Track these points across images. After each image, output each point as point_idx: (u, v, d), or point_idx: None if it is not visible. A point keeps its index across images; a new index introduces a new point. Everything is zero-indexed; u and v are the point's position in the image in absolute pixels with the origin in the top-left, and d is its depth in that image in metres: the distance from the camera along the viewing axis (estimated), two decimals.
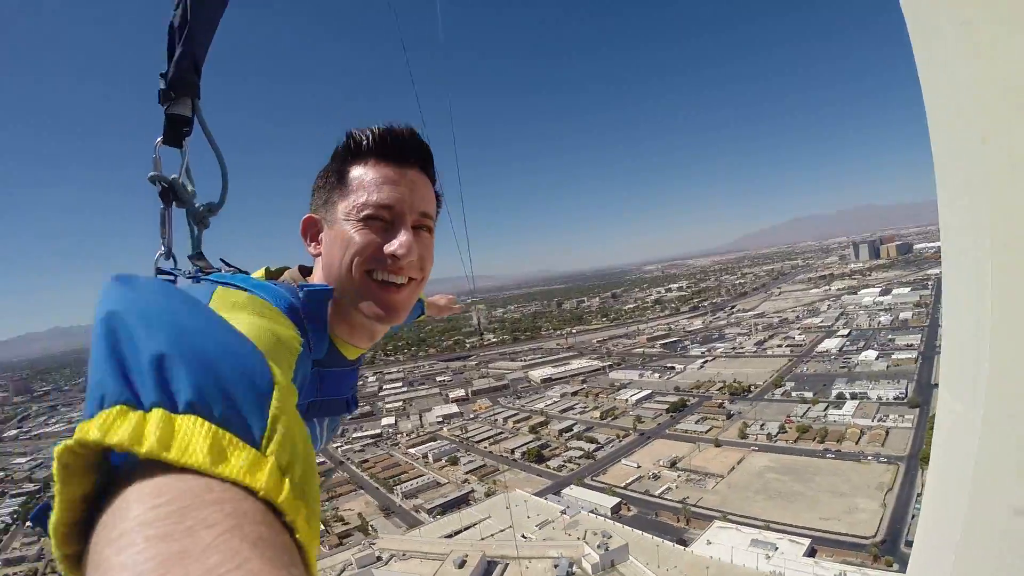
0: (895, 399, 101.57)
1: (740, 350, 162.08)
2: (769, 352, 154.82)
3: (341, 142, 1.30)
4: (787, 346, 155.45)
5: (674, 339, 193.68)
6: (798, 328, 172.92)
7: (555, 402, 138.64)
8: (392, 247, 1.23)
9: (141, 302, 0.64)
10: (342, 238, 1.24)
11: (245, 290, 1.05)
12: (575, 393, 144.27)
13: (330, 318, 1.26)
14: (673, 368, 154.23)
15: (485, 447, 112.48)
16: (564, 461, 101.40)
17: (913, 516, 61.32)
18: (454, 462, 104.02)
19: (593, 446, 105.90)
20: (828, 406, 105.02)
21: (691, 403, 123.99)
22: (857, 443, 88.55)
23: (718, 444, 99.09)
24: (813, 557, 60.60)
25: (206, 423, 0.53)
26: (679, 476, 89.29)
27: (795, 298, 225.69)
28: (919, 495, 67.67)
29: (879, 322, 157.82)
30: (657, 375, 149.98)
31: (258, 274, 1.33)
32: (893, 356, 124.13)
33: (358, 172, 1.27)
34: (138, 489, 0.48)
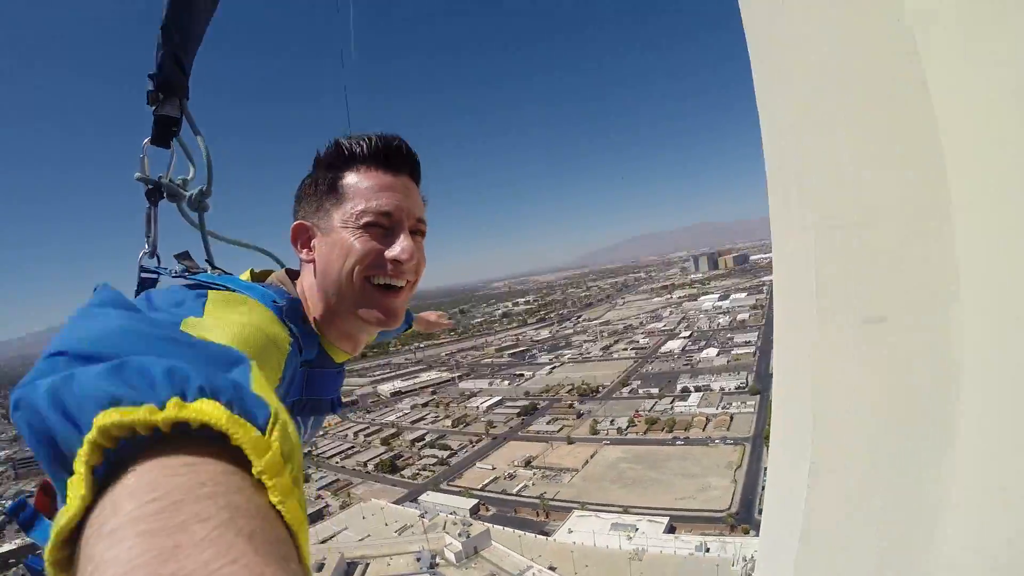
0: (737, 388, 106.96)
1: (587, 355, 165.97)
2: (615, 355, 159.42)
3: (328, 150, 1.32)
4: (632, 349, 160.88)
5: (522, 348, 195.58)
6: (642, 333, 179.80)
7: (406, 414, 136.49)
8: (394, 252, 1.26)
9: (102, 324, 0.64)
10: (342, 245, 1.25)
11: (234, 291, 1.08)
12: (425, 404, 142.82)
13: (322, 322, 1.32)
14: (522, 375, 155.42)
15: (337, 462, 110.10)
16: (419, 469, 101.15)
17: (762, 488, 63.80)
18: (305, 480, 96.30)
19: (447, 453, 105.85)
20: (674, 399, 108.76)
21: (542, 406, 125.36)
22: (704, 429, 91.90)
23: (570, 441, 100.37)
24: (673, 533, 61.82)
25: (219, 404, 0.53)
26: (534, 474, 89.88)
27: (639, 307, 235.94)
28: (766, 469, 70.52)
29: (719, 323, 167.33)
30: (507, 382, 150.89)
31: (244, 276, 1.35)
32: (733, 352, 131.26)
33: (353, 179, 1.28)
34: (130, 485, 0.47)
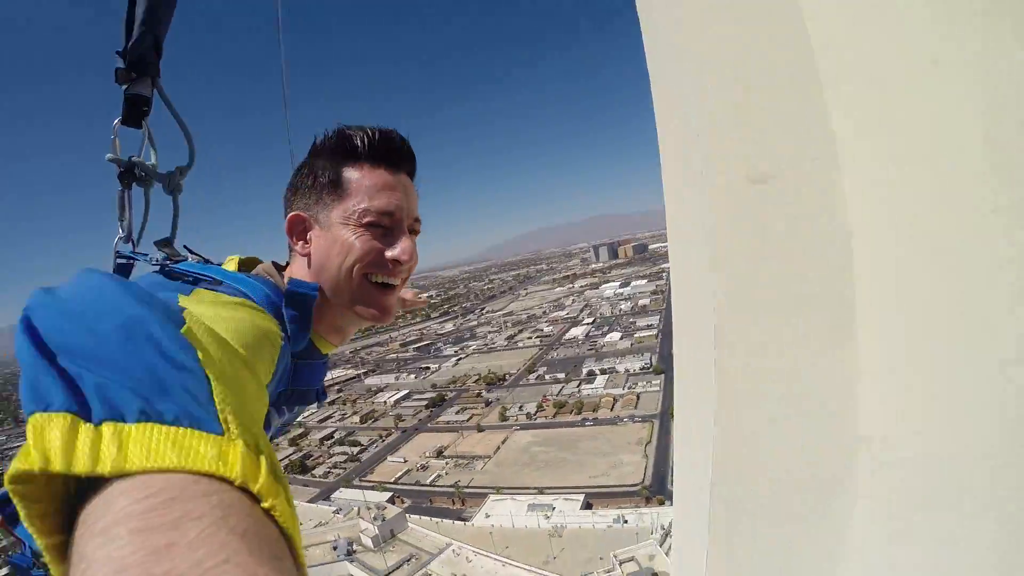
0: (641, 369, 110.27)
1: (492, 346, 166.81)
2: (520, 344, 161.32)
3: (329, 140, 1.30)
4: (537, 337, 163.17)
5: (427, 342, 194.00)
6: (546, 321, 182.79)
7: (312, 413, 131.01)
8: (395, 252, 1.26)
9: (69, 306, 0.61)
10: (342, 243, 1.24)
11: (222, 283, 1.07)
12: (332, 402, 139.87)
13: (314, 315, 1.29)
14: (428, 368, 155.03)
15: None
16: (329, 468, 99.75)
17: (673, 461, 66.00)
18: None
19: (357, 449, 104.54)
20: (580, 383, 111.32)
21: (450, 397, 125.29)
22: (612, 409, 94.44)
23: (480, 429, 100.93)
24: (590, 509, 62.90)
25: (163, 426, 0.49)
26: (447, 463, 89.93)
27: (541, 297, 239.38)
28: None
29: (621, 309, 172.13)
30: (413, 376, 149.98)
31: (230, 264, 1.30)
32: (636, 335, 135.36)
33: (355, 175, 1.27)
34: (123, 481, 0.45)
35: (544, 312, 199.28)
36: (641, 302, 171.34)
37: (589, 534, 56.64)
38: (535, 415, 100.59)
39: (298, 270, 1.31)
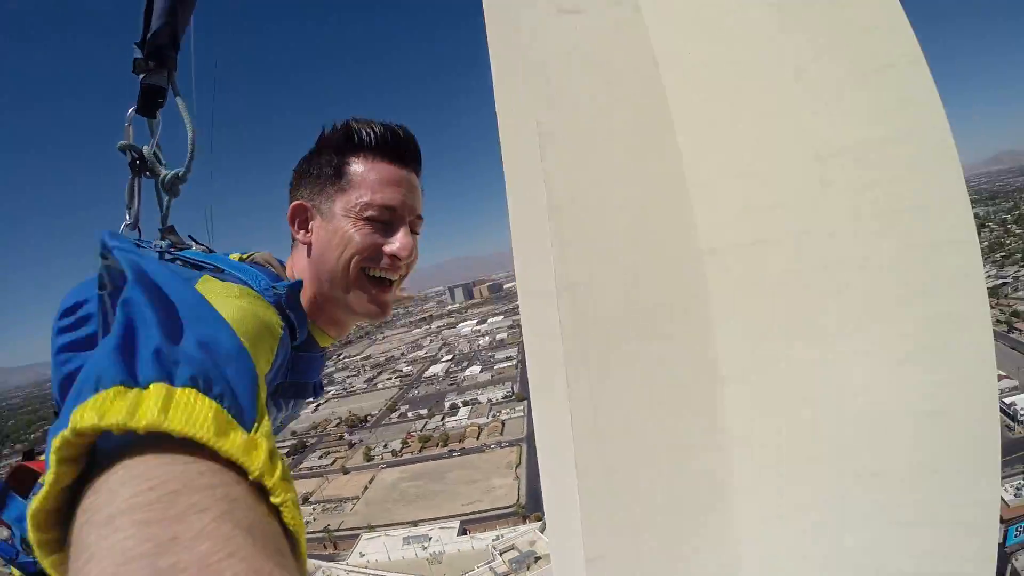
0: (504, 398, 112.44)
1: (351, 389, 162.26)
2: (380, 386, 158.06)
3: (336, 132, 1.29)
4: (396, 377, 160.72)
5: None
6: (405, 362, 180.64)
7: None
8: (393, 248, 1.25)
9: (146, 272, 0.63)
10: (341, 234, 1.24)
11: (224, 272, 1.06)
12: None
13: (312, 307, 1.29)
14: None
15: None
16: None
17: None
18: None
19: None
20: (444, 416, 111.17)
21: (311, 443, 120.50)
22: (478, 438, 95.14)
23: (346, 471, 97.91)
24: (466, 535, 63.16)
25: (207, 398, 0.51)
26: (315, 509, 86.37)
27: (399, 339, 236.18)
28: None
29: (479, 345, 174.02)
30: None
31: (233, 257, 1.29)
32: (496, 367, 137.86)
33: (359, 168, 1.26)
34: (127, 472, 0.45)
35: (403, 353, 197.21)
36: (499, 336, 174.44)
37: (469, 555, 56.93)
38: (401, 452, 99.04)
39: (299, 259, 1.31)
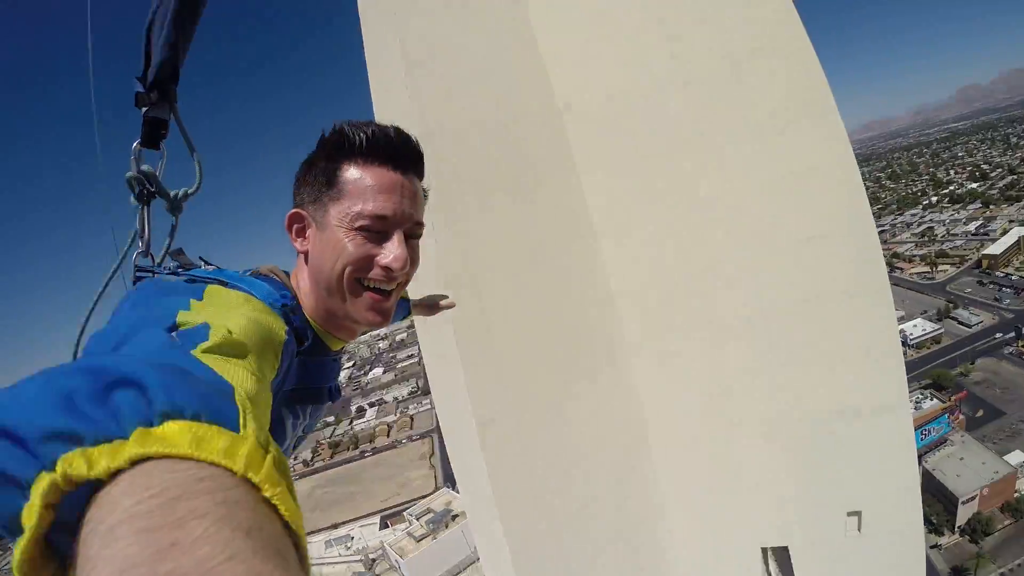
0: (410, 394, 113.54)
1: None
2: None
3: (330, 136, 1.24)
4: None
5: None
6: None
7: None
8: (386, 260, 1.22)
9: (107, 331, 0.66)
10: (334, 245, 1.21)
11: (228, 283, 1.07)
12: None
13: (318, 313, 1.28)
14: None
15: None
16: None
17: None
18: None
19: None
20: (352, 419, 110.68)
21: None
22: (389, 435, 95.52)
23: None
24: (388, 528, 63.91)
25: (182, 422, 0.51)
26: None
27: None
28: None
29: (379, 348, 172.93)
30: None
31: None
32: (398, 367, 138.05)
33: (352, 175, 1.21)
34: (126, 482, 0.45)
35: None
36: (399, 337, 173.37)
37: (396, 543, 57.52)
38: (312, 461, 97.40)
39: (300, 268, 1.31)
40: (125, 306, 0.86)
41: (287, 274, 1.33)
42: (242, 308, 0.95)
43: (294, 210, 1.26)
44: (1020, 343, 73.44)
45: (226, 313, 0.86)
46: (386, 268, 1.22)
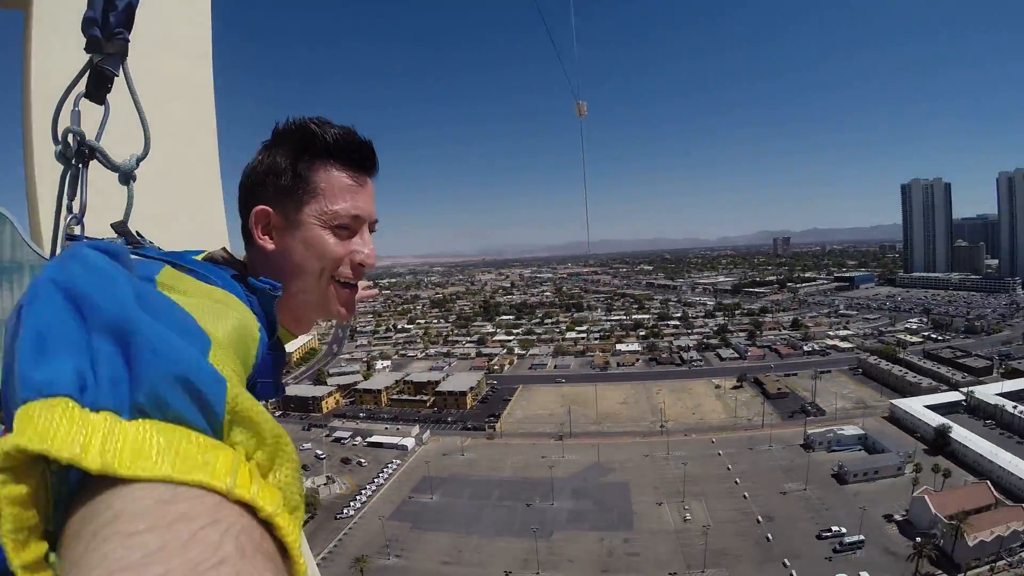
0: None
1: None
2: None
3: (294, 132, 1.25)
4: None
5: None
6: None
7: None
8: (361, 257, 1.27)
9: (89, 277, 0.59)
10: (315, 243, 1.22)
11: (193, 270, 0.96)
12: None
13: (278, 310, 1.20)
14: None
15: None
16: None
17: None
18: None
19: None
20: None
21: None
22: None
23: None
24: None
25: (161, 424, 0.48)
26: None
27: None
28: None
29: None
30: None
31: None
32: None
33: (326, 176, 1.23)
34: (114, 481, 0.44)
35: None
36: None
37: None
38: None
39: (261, 264, 1.24)
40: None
41: (241, 262, 1.25)
42: (219, 303, 0.87)
43: (262, 208, 1.22)
44: None
45: (201, 305, 0.79)
46: (360, 264, 1.26)
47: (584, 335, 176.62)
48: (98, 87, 1.39)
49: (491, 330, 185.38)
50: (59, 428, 0.44)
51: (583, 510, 74.10)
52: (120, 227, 1.26)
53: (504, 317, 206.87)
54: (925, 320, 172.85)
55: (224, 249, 1.24)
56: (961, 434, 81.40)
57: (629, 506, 74.82)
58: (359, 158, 1.27)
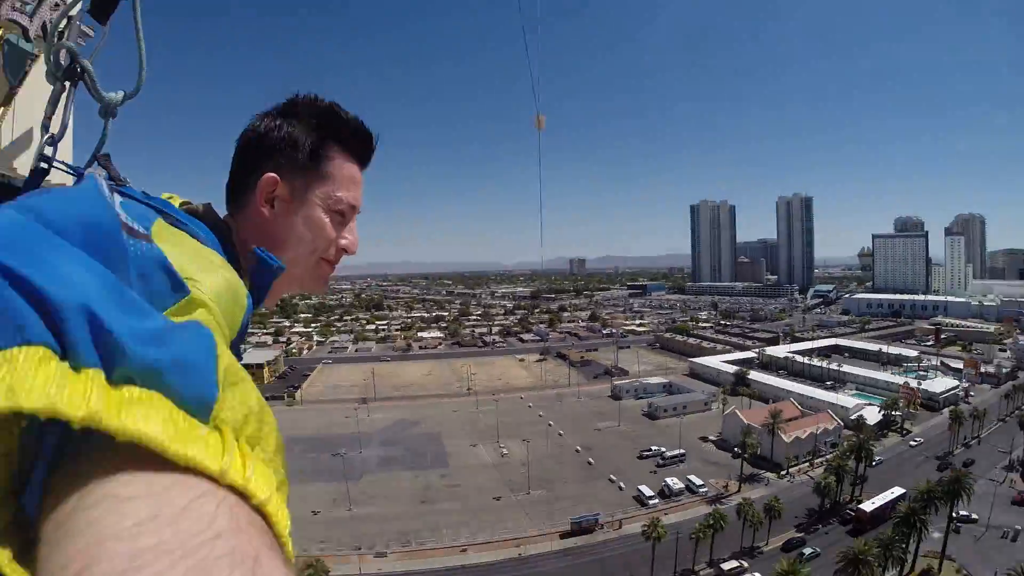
0: None
1: None
2: None
3: (318, 109, 1.26)
4: None
5: None
6: None
7: None
8: (346, 244, 1.31)
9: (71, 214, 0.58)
10: (316, 223, 1.24)
11: (184, 225, 0.94)
12: None
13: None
14: None
15: None
16: None
17: None
18: None
19: None
20: None
21: None
22: None
23: None
24: None
25: (154, 394, 0.45)
26: None
27: None
28: None
29: None
30: None
31: (173, 202, 1.10)
32: None
33: (339, 163, 1.27)
34: (105, 446, 0.41)
35: None
36: None
37: None
38: None
39: (252, 230, 1.22)
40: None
41: (225, 223, 1.20)
42: (220, 269, 0.85)
43: (272, 175, 1.21)
44: None
45: (202, 268, 0.78)
46: (344, 250, 1.31)
47: (385, 326, 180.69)
48: (103, 6, 1.34)
49: (288, 324, 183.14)
50: (36, 379, 0.40)
51: (394, 456, 74.37)
52: (105, 161, 1.20)
53: (303, 315, 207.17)
54: (714, 313, 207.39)
55: (209, 205, 1.19)
56: (759, 376, 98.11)
57: (443, 449, 76.05)
58: (367, 153, 1.34)
